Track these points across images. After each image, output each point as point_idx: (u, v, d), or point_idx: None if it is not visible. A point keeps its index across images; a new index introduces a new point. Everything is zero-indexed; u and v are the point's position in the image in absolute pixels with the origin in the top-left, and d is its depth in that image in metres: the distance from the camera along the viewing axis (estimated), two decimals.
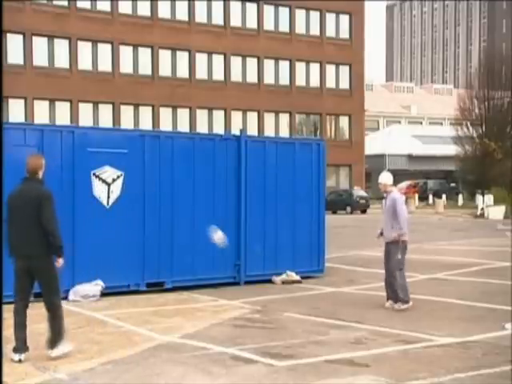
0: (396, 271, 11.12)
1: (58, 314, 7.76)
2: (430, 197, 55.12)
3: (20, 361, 7.47)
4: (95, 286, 11.77)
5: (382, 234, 11.73)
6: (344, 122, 57.86)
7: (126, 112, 48.40)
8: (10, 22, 35.94)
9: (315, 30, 55.84)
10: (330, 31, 56.49)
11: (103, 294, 11.79)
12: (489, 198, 41.42)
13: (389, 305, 11.05)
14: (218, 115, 52.06)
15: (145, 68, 49.57)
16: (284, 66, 54.73)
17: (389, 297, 11.18)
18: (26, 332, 7.66)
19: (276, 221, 14.08)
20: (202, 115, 51.50)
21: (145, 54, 49.49)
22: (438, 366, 7.44)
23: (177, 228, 12.87)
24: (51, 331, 7.70)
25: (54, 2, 46.51)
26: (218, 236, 12.84)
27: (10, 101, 42.03)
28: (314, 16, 55.69)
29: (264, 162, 14.02)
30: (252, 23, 53.54)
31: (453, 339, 8.71)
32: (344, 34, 57.04)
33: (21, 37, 44.53)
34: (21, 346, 7.57)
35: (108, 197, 12.25)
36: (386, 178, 11.58)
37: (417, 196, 52.71)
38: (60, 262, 7.68)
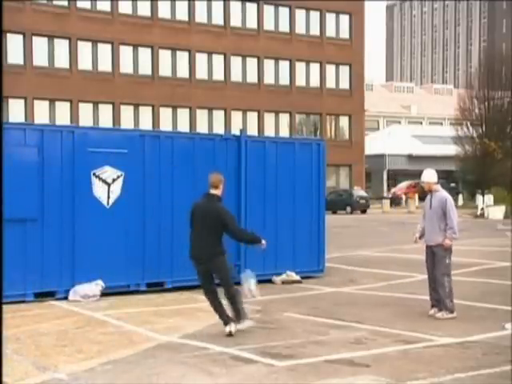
0: (445, 277, 10.27)
1: (235, 299, 8.94)
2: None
3: (230, 333, 8.75)
4: (95, 286, 11.77)
5: (421, 236, 10.68)
6: (344, 122, 57.85)
7: (126, 112, 48.40)
8: (9, 22, 35.93)
9: (315, 30, 55.83)
10: (330, 31, 56.48)
11: (103, 294, 11.78)
12: (489, 198, 41.42)
13: (433, 312, 10.30)
14: (218, 115, 52.06)
15: (145, 68, 49.57)
16: (284, 66, 54.73)
17: (433, 304, 10.39)
18: (223, 307, 8.95)
19: (276, 221, 14.07)
20: (201, 115, 51.49)
21: (145, 54, 49.49)
22: (437, 365, 7.44)
23: (177, 228, 12.85)
24: (234, 312, 8.92)
25: (54, 2, 46.52)
26: (251, 287, 10.35)
27: (10, 101, 42.04)
28: (314, 16, 55.68)
29: (264, 161, 14.01)
30: (252, 23, 53.54)
31: (453, 339, 8.71)
32: (344, 34, 57.03)
33: (21, 37, 44.53)
34: (227, 319, 8.84)
35: (108, 197, 12.25)
36: (429, 175, 10.55)
37: (417, 196, 52.66)
38: (264, 244, 9.20)
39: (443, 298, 10.24)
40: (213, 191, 9.14)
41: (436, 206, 10.40)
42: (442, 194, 10.53)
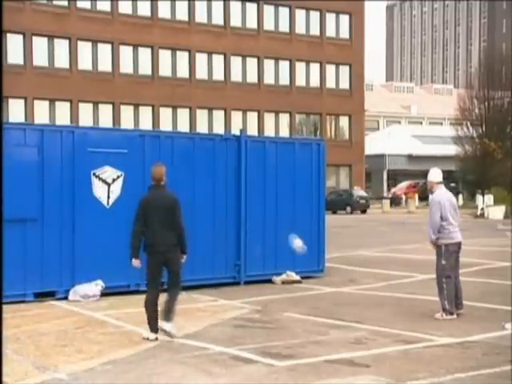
0: (442, 278, 10.24)
1: (176, 298, 8.78)
2: (430, 197, 55.07)
3: (163, 333, 8.55)
4: (95, 286, 11.77)
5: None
6: (344, 122, 57.85)
7: (126, 112, 48.39)
8: (9, 22, 35.91)
9: (315, 30, 55.82)
10: (330, 31, 56.48)
11: (103, 294, 11.78)
12: (489, 198, 41.41)
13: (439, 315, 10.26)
14: (218, 115, 52.05)
15: (145, 68, 49.56)
16: (284, 66, 54.72)
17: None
18: (157, 313, 8.62)
19: (276, 221, 14.07)
20: (201, 115, 51.49)
21: (145, 54, 49.49)
22: (437, 365, 7.44)
23: None
24: (167, 310, 8.59)
25: (54, 2, 46.51)
26: (298, 244, 13.21)
27: (10, 101, 42.03)
28: (314, 16, 55.68)
29: (264, 161, 14.01)
30: (252, 23, 53.53)
31: (453, 339, 8.71)
32: (344, 34, 57.02)
33: (21, 37, 44.52)
34: (155, 329, 8.57)
35: (108, 197, 12.25)
36: (431, 175, 10.70)
37: (417, 196, 52.67)
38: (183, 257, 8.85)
39: (440, 300, 10.26)
40: (160, 184, 8.87)
41: (429, 206, 10.72)
42: (434, 194, 10.66)
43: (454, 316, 10.16)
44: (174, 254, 8.71)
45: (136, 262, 8.70)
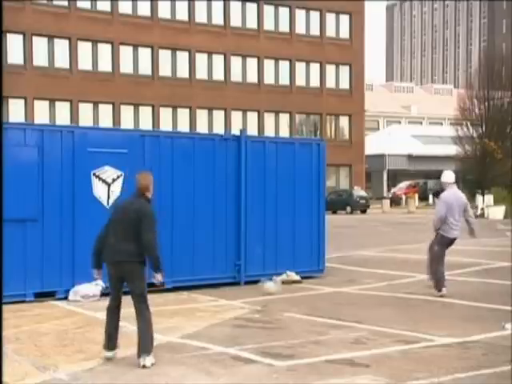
0: (433, 260, 12.09)
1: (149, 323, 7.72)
2: (430, 197, 55.10)
3: (109, 358, 7.60)
4: (95, 286, 11.76)
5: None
6: (344, 122, 57.84)
7: (126, 112, 48.38)
8: (9, 22, 35.90)
9: (315, 30, 55.81)
10: (330, 31, 56.47)
11: (103, 294, 11.78)
12: (489, 198, 41.38)
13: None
14: (218, 115, 52.04)
15: (145, 68, 49.56)
16: (284, 66, 54.71)
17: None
18: (117, 330, 7.75)
19: (276, 221, 14.07)
20: (201, 115, 51.48)
21: (145, 54, 49.48)
22: (437, 365, 7.44)
23: (176, 228, 12.87)
24: (140, 341, 7.58)
25: (54, 2, 46.51)
26: (268, 289, 12.52)
27: (10, 101, 42.02)
28: (314, 16, 55.66)
29: (264, 161, 14.01)
30: (252, 23, 53.52)
31: (453, 339, 8.71)
32: (344, 34, 57.01)
33: (21, 37, 44.52)
34: (113, 346, 7.67)
35: (108, 197, 12.25)
36: (444, 176, 12.24)
37: (417, 196, 52.65)
38: (159, 277, 7.73)
39: (428, 273, 12.30)
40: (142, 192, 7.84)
41: (437, 203, 12.54)
42: (442, 194, 12.13)
43: (443, 292, 11.87)
44: (131, 266, 7.55)
45: (96, 273, 7.82)
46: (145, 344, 7.48)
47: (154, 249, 7.60)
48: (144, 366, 7.34)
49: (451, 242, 12.18)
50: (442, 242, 12.09)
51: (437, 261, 12.07)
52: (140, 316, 7.60)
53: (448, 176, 12.17)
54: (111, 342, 7.68)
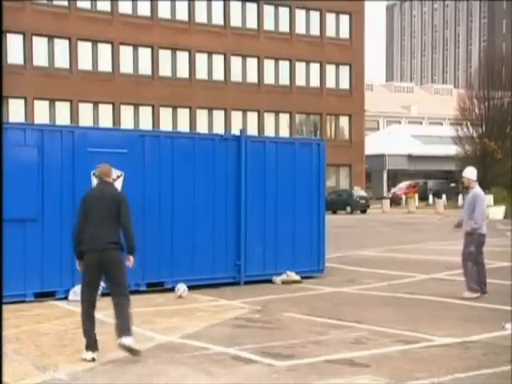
0: (467, 262, 11.84)
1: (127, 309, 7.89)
2: (430, 197, 55.12)
3: (93, 359, 7.53)
4: None
5: (459, 225, 12.41)
6: (344, 122, 57.85)
7: (126, 112, 48.40)
8: (9, 22, 35.91)
9: (315, 30, 55.83)
10: (330, 31, 56.48)
11: (103, 294, 11.75)
12: (489, 198, 41.36)
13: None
14: (218, 115, 52.05)
15: (145, 68, 49.57)
16: (284, 66, 54.72)
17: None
18: (94, 326, 7.74)
19: (276, 221, 14.07)
20: (201, 115, 51.49)
21: (145, 54, 49.49)
22: (437, 365, 7.43)
23: (177, 228, 12.87)
24: (119, 321, 7.72)
25: (54, 2, 46.52)
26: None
27: (10, 101, 42.04)
28: (314, 16, 55.68)
29: (264, 161, 14.01)
30: (252, 23, 53.53)
31: (453, 339, 8.71)
32: (344, 34, 57.02)
33: (21, 37, 44.54)
34: (92, 345, 7.63)
35: None
36: (469, 172, 12.19)
37: (417, 196, 52.65)
38: (131, 260, 8.00)
39: (466, 280, 11.82)
40: (106, 179, 8.16)
41: (470, 199, 11.99)
42: (475, 190, 12.02)
43: (478, 294, 11.65)
44: (111, 253, 7.67)
45: (80, 264, 7.94)
46: (125, 324, 7.62)
47: (132, 229, 7.94)
48: (130, 349, 7.49)
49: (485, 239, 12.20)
50: (481, 242, 11.96)
51: (482, 264, 12.01)
52: (118, 305, 7.75)
53: (474, 172, 12.24)
54: (95, 342, 7.68)
